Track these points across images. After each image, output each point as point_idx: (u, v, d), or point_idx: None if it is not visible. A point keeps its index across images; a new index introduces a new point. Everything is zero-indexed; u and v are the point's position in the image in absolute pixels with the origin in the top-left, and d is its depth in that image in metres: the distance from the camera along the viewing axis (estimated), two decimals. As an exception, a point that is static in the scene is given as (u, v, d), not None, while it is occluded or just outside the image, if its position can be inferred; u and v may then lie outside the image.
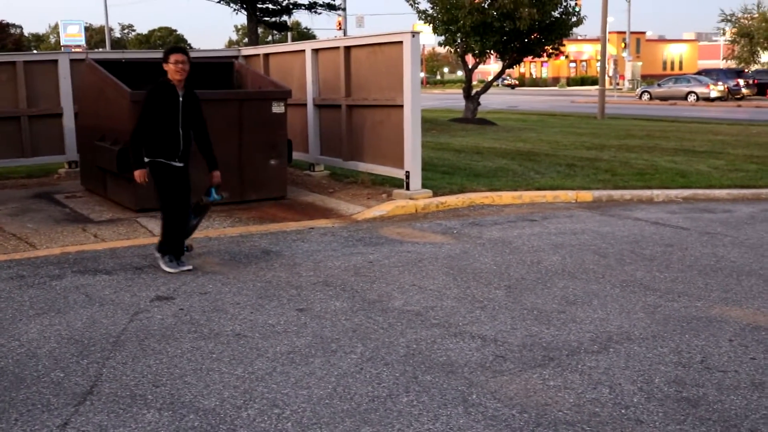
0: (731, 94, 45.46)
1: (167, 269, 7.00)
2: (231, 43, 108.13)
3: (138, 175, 6.92)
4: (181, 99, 6.92)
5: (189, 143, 7.10)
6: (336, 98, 11.99)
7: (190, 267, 7.09)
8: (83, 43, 52.93)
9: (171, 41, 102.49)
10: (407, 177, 10.52)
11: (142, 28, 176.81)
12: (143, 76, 11.51)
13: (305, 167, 13.03)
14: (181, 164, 7.03)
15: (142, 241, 8.34)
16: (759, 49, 56.16)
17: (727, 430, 4.01)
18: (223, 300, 6.24)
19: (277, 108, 10.53)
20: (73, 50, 31.86)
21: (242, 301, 6.23)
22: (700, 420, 4.11)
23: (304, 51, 12.69)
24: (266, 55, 13.92)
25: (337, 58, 11.91)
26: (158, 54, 14.07)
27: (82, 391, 4.50)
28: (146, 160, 6.93)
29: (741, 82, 47.00)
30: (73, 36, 52.82)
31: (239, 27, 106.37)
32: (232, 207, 10.05)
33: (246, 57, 14.48)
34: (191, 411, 4.23)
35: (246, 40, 42.33)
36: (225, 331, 5.51)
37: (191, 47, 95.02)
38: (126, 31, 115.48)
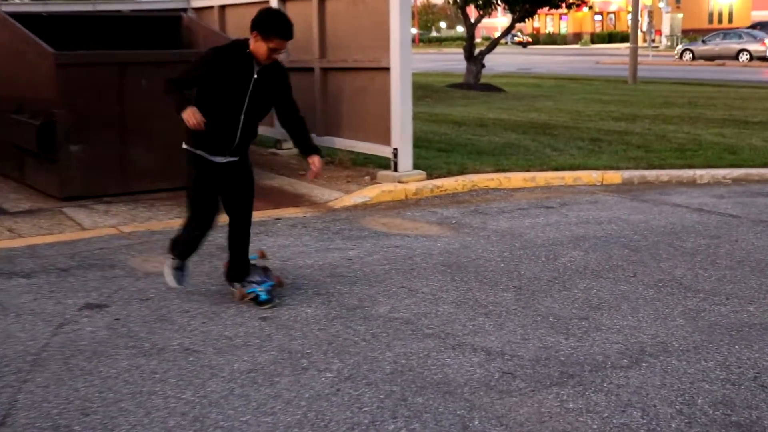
0: (792, 52, 45.64)
1: (168, 278, 6.35)
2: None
3: (190, 114, 5.80)
4: (255, 76, 6.03)
5: (250, 135, 6.32)
6: (308, 60, 11.95)
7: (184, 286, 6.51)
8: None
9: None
10: (395, 155, 10.51)
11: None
12: (71, 34, 11.47)
13: (270, 144, 13.00)
14: (228, 159, 6.25)
15: (68, 236, 8.31)
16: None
17: (785, 460, 4.03)
18: (169, 308, 6.22)
19: (235, 72, 10.48)
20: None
21: (192, 308, 6.21)
22: (753, 449, 4.12)
23: (268, 2, 12.64)
24: (222, 8, 13.87)
25: (309, 11, 11.87)
26: (88, 6, 14.04)
27: (-6, 420, 4.47)
28: (183, 146, 6.24)
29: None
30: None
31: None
32: (180, 193, 9.93)
33: (197, 10, 14.42)
34: (128, 444, 4.21)
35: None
36: (171, 346, 5.48)
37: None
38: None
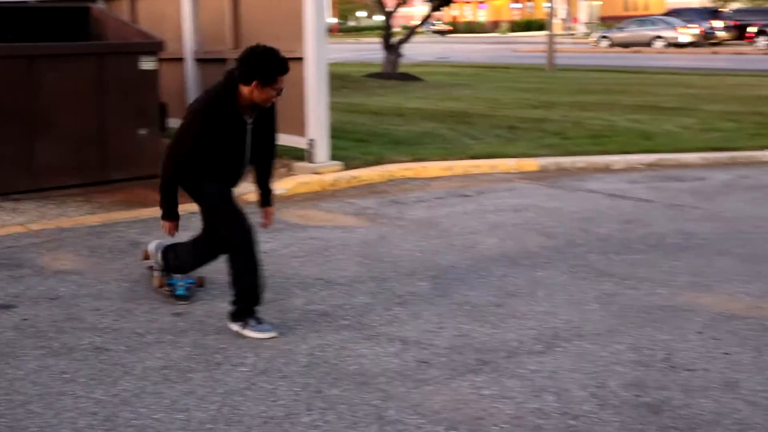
0: (706, 39, 46.62)
1: (258, 335, 5.55)
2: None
3: (168, 227, 5.74)
4: (250, 123, 5.60)
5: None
6: (222, 50, 11.86)
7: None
8: None
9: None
10: (311, 146, 10.49)
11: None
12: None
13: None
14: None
15: (-25, 234, 8.14)
16: (738, -17, 57.77)
17: (694, 439, 4.13)
18: (79, 306, 6.13)
19: (147, 64, 10.36)
20: None
21: (104, 306, 6.13)
22: (663, 428, 4.22)
23: (181, -9, 12.53)
24: (132, -2, 13.70)
25: (222, 1, 11.78)
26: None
27: None
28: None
29: (717, 23, 48.20)
30: None
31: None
32: (92, 189, 9.87)
33: (107, 1, 14.21)
34: (37, 445, 4.16)
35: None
36: (81, 345, 5.41)
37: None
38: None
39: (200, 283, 6.44)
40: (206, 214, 5.85)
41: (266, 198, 6.03)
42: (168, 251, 6.28)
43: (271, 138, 5.88)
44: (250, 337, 5.49)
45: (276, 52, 5.41)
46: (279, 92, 5.47)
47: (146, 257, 6.63)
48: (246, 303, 5.60)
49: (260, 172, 5.99)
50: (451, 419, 4.35)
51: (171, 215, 5.71)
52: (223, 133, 5.50)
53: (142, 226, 8.36)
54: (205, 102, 5.51)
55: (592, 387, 4.69)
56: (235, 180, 5.80)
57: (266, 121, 5.75)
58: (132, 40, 10.83)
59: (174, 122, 11.94)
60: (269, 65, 5.36)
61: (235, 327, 5.59)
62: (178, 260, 6.23)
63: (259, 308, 5.61)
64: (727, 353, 5.14)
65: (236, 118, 5.50)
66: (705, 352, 5.15)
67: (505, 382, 4.76)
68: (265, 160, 5.94)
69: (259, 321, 5.58)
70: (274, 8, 10.98)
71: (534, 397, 4.58)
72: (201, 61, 12.37)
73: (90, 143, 9.92)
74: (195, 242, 6.19)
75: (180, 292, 6.18)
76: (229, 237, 5.65)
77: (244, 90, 5.39)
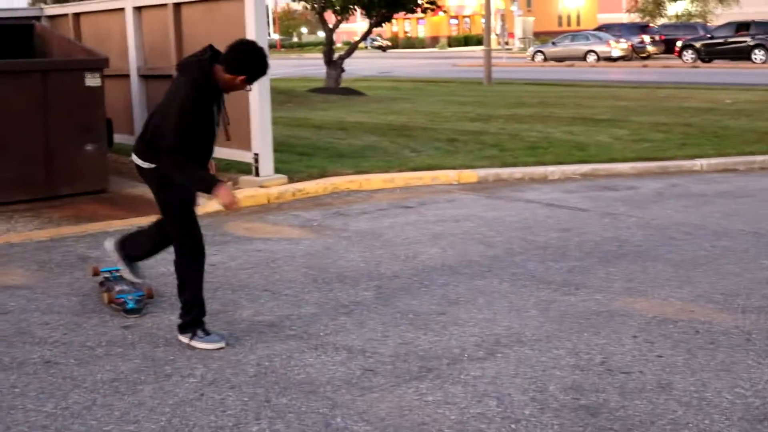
0: (636, 53, 47.39)
1: (207, 346, 5.51)
2: (35, 2, 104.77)
3: (224, 194, 5.40)
4: (218, 105, 5.57)
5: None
6: (166, 67, 11.77)
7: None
8: None
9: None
10: (256, 161, 10.47)
11: None
12: None
13: (131, 153, 12.75)
14: None
15: None
16: (665, -1, 58.68)
17: (630, 439, 4.20)
18: (29, 320, 6.07)
19: (92, 80, 10.28)
20: None
21: (53, 320, 6.07)
22: (601, 430, 4.27)
23: (123, 9, 12.43)
24: (76, 15, 13.57)
25: (165, 18, 11.72)
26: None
27: None
28: (153, 166, 5.59)
29: (646, 38, 49.01)
30: None
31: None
32: (40, 204, 9.76)
33: (51, 18, 14.07)
34: (-12, 460, 4.10)
35: (53, -3, 41.08)
36: (31, 359, 5.35)
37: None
38: None
39: (149, 295, 6.39)
40: (165, 212, 5.72)
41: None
42: (125, 241, 6.19)
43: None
44: (198, 348, 5.46)
45: (265, 53, 5.42)
46: (249, 85, 5.47)
47: (96, 273, 6.58)
48: (193, 315, 5.57)
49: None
50: (397, 425, 4.36)
51: (215, 180, 5.47)
52: (202, 116, 5.42)
53: (90, 241, 8.28)
54: (192, 87, 5.35)
55: (532, 391, 4.74)
56: (205, 162, 5.68)
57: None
58: (76, 57, 10.75)
59: (120, 138, 11.90)
60: (261, 67, 5.40)
61: (184, 339, 5.56)
62: (136, 248, 6.16)
63: (206, 319, 5.59)
64: (660, 356, 5.22)
65: (211, 101, 5.45)
66: (640, 356, 5.23)
67: (448, 389, 4.79)
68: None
69: (207, 332, 5.55)
70: (216, 26, 10.92)
71: (477, 402, 4.62)
72: (146, 77, 12.29)
73: (37, 159, 9.82)
74: (150, 229, 6.16)
75: (131, 306, 6.14)
76: (183, 242, 5.63)
77: (224, 77, 5.37)
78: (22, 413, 4.59)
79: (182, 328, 5.59)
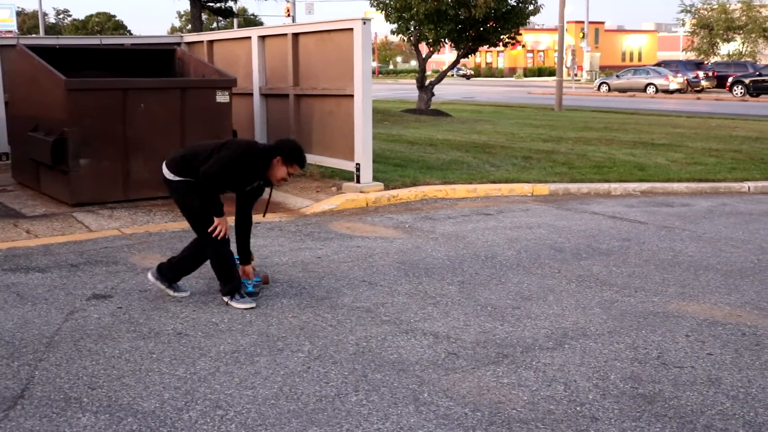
0: (691, 87, 46.22)
1: (240, 305, 5.98)
2: (174, 30, 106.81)
3: (219, 222, 6.01)
4: (258, 183, 6.17)
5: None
6: (284, 87, 11.95)
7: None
8: (15, 28, 51.88)
9: (109, 27, 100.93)
10: (357, 169, 10.53)
11: (79, 13, 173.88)
12: (80, 64, 11.38)
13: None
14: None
15: (78, 237, 8.23)
16: (718, 40, 57.26)
17: (683, 426, 4.09)
18: (164, 298, 6.19)
19: (222, 97, 10.46)
20: (3, 35, 31.27)
21: (184, 298, 6.18)
22: (656, 416, 4.18)
23: (250, 38, 12.62)
24: (210, 42, 13.82)
25: (284, 46, 11.87)
26: (95, 39, 13.91)
27: (13, 395, 4.43)
28: (180, 179, 6.07)
29: (700, 74, 47.79)
30: (4, 21, 51.77)
31: (182, 13, 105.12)
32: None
33: (189, 44, 14.35)
34: (129, 414, 4.19)
35: (189, 27, 41.97)
36: (165, 330, 5.46)
37: (130, 34, 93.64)
38: (61, 16, 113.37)
39: (266, 281, 6.48)
40: (189, 216, 6.14)
41: (245, 257, 6.34)
42: (161, 267, 6.27)
43: (251, 207, 6.33)
44: (234, 307, 5.93)
45: (299, 148, 6.04)
46: (291, 175, 6.03)
47: (266, 281, 6.65)
48: (229, 286, 6.02)
49: (243, 234, 6.32)
50: (476, 402, 4.34)
51: (222, 212, 6.03)
52: (245, 177, 5.98)
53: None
54: (252, 152, 5.96)
55: (595, 379, 4.67)
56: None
57: (258, 194, 6.27)
58: (210, 78, 10.94)
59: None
60: (290, 150, 5.99)
61: (225, 299, 6.05)
62: (173, 270, 6.25)
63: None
64: (710, 354, 5.09)
65: (256, 174, 6.01)
66: (692, 353, 5.11)
67: (521, 373, 4.75)
68: (247, 222, 6.33)
69: (242, 296, 6.04)
70: (328, 54, 11.04)
71: (546, 386, 4.57)
72: (266, 96, 12.45)
73: (173, 162, 9.99)
74: (186, 251, 6.31)
75: (249, 289, 6.22)
76: (208, 243, 6.07)
77: (274, 162, 5.93)
78: (158, 375, 4.69)
79: (224, 294, 6.06)
